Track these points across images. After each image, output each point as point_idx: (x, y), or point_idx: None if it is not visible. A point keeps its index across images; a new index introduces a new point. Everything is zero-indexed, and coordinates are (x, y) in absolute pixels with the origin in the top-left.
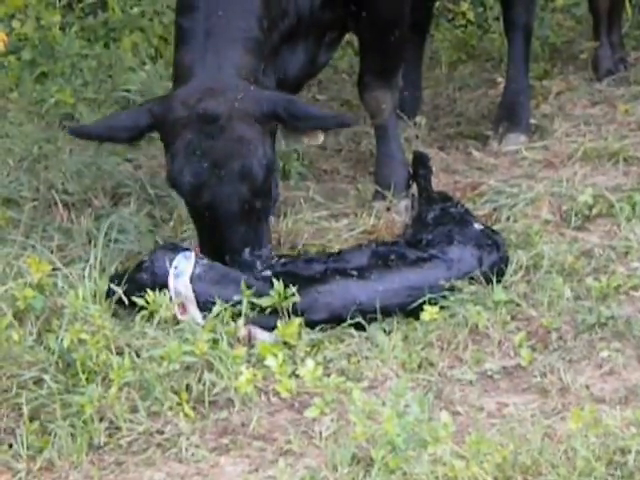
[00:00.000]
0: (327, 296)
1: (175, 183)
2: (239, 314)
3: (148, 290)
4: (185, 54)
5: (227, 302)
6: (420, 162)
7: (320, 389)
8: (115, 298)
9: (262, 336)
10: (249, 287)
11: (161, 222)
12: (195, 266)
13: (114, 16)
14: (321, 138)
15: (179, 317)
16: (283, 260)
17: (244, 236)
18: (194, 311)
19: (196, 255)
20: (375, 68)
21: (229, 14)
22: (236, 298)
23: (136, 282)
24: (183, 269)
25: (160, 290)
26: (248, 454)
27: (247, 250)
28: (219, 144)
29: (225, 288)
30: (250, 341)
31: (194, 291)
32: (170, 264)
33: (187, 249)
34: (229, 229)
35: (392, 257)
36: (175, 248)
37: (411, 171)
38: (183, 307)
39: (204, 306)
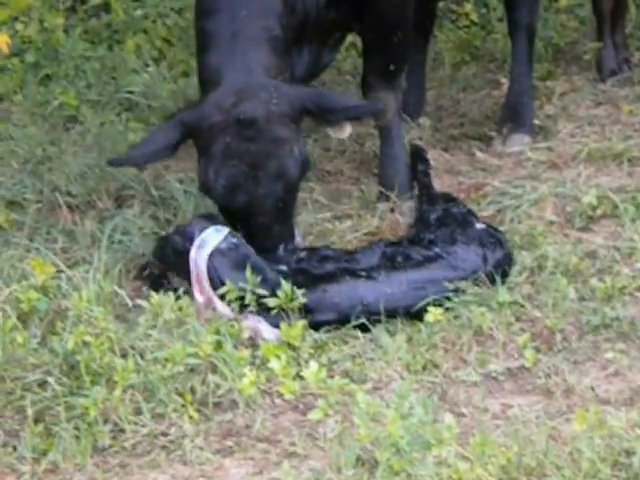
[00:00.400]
0: (335, 295)
1: (212, 188)
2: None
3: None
4: (212, 57)
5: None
6: (418, 156)
7: (324, 391)
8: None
9: (268, 334)
10: (265, 280)
11: (165, 224)
12: (223, 241)
13: (117, 18)
14: (348, 130)
15: (196, 297)
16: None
17: (279, 234)
18: (207, 288)
19: (230, 232)
20: (379, 69)
21: (252, 14)
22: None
23: (170, 244)
24: (209, 241)
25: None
26: (252, 456)
27: (281, 247)
28: (258, 147)
29: (240, 273)
30: (256, 337)
31: (209, 264)
32: (200, 233)
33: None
34: (266, 230)
35: (399, 258)
36: (213, 218)
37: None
38: (201, 286)
39: (213, 284)
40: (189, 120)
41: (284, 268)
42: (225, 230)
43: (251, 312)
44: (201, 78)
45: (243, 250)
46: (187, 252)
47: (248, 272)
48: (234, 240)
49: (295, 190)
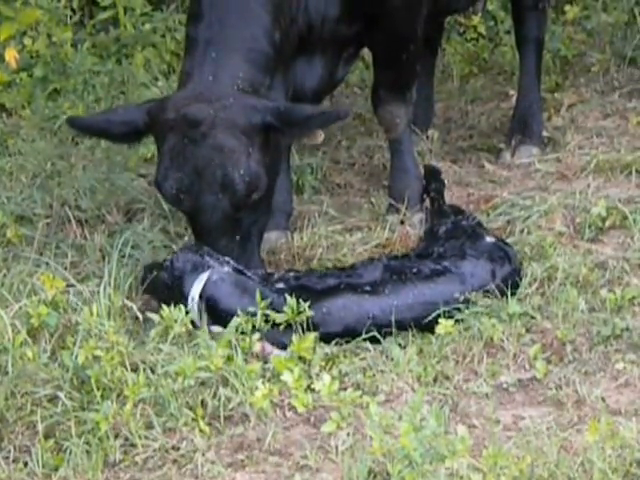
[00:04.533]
0: (341, 311)
1: (159, 186)
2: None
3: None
4: (187, 62)
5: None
6: (432, 176)
7: (336, 403)
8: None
9: (274, 352)
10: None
11: (175, 237)
12: (214, 272)
13: (126, 32)
14: (321, 137)
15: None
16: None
17: (226, 248)
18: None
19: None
20: (389, 82)
21: (235, 24)
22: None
23: (159, 281)
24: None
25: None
26: (264, 469)
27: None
28: (199, 150)
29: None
30: (264, 357)
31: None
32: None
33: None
34: (210, 237)
35: (405, 271)
36: (198, 250)
37: (424, 184)
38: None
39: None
40: (152, 112)
41: (282, 286)
42: (205, 275)
43: (263, 339)
44: (178, 81)
45: (238, 277)
46: (176, 288)
47: (256, 296)
48: (225, 269)
49: (245, 207)
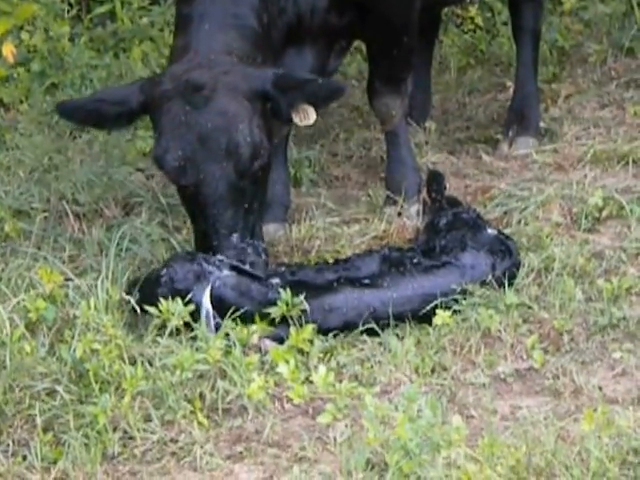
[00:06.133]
0: (340, 305)
1: (160, 161)
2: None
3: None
4: (180, 38)
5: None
6: (435, 181)
7: (333, 395)
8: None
9: (272, 346)
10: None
11: (173, 231)
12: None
13: (123, 26)
14: (313, 116)
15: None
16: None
17: (232, 219)
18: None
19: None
20: (384, 74)
21: (223, 2)
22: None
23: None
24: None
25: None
26: (262, 461)
27: (236, 235)
28: (203, 116)
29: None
30: (262, 351)
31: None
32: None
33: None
34: (215, 210)
35: (405, 263)
36: (190, 257)
37: (424, 182)
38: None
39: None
40: (145, 87)
41: (277, 280)
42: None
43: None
44: (169, 57)
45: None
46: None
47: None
48: (225, 272)
49: (249, 176)
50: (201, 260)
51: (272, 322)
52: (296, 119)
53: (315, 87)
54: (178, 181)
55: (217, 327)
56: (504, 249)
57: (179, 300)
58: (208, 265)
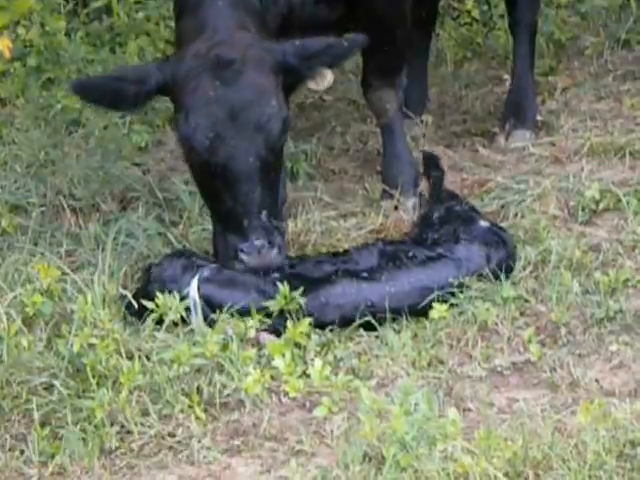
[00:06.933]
0: (337, 298)
1: (188, 140)
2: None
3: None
4: (190, 18)
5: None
6: (431, 164)
7: (328, 388)
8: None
9: (269, 339)
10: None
11: (170, 225)
12: (205, 269)
13: (119, 21)
14: (329, 78)
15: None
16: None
17: (261, 196)
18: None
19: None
20: (378, 68)
21: None
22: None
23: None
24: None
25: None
26: (260, 455)
27: (265, 213)
28: (235, 91)
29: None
30: (259, 344)
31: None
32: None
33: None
34: (244, 187)
35: (401, 256)
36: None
37: (422, 171)
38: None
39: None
40: (164, 67)
41: (277, 275)
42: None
43: (262, 330)
44: (177, 40)
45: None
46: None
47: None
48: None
49: (277, 150)
50: (189, 255)
51: (269, 315)
52: (312, 85)
53: (336, 49)
54: (209, 159)
55: (205, 318)
56: (498, 240)
57: (176, 295)
58: (197, 259)
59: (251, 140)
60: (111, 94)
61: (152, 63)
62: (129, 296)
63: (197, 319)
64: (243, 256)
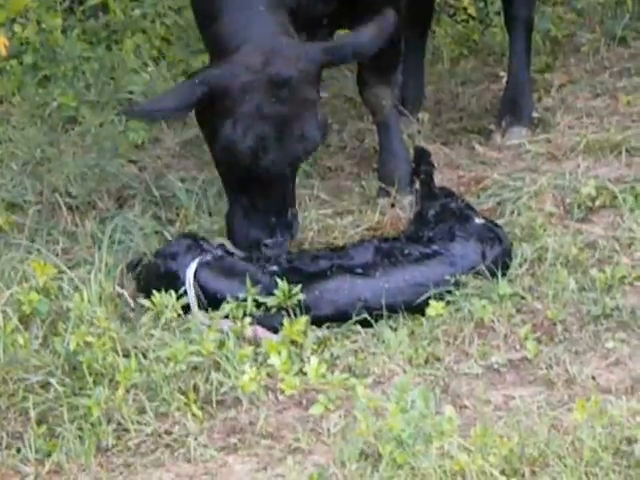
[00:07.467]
0: (332, 293)
1: (237, 149)
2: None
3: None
4: (227, 24)
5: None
6: (421, 158)
7: (325, 386)
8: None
9: (266, 336)
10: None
11: (166, 223)
12: (206, 255)
13: (115, 18)
14: None
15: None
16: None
17: (291, 196)
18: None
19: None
20: (372, 65)
21: None
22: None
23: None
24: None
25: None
26: (256, 453)
27: (290, 210)
28: (288, 108)
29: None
30: (256, 340)
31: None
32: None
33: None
34: (282, 190)
35: (396, 253)
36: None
37: (413, 166)
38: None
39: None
40: (215, 79)
41: (275, 268)
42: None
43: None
44: (214, 46)
45: (228, 259)
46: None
47: (246, 280)
48: (217, 252)
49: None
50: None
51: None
52: None
53: (374, 40)
54: (251, 164)
55: (200, 305)
56: (494, 237)
57: (172, 293)
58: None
59: (294, 150)
60: (160, 115)
61: (192, 79)
62: (126, 295)
63: (192, 304)
64: (267, 251)
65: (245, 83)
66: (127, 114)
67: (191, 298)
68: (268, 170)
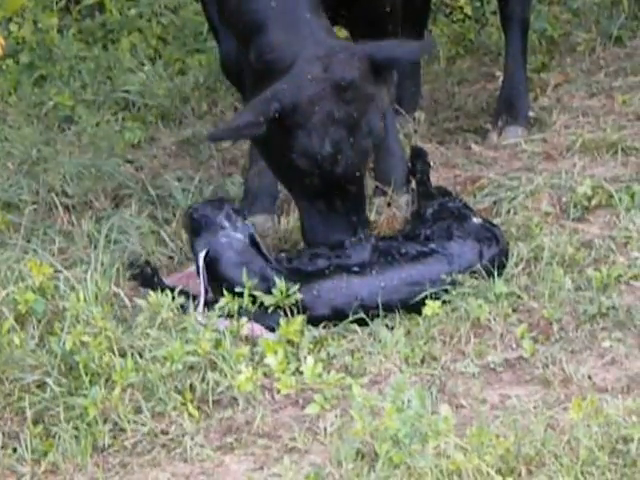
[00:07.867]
0: (330, 292)
1: (317, 158)
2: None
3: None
4: (274, 34)
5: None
6: (418, 157)
7: (321, 386)
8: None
9: (263, 334)
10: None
11: (163, 223)
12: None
13: (112, 18)
14: None
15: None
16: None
17: (364, 192)
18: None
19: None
20: None
21: None
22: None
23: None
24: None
25: None
26: (253, 452)
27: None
28: (354, 106)
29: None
30: (253, 338)
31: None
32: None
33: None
34: (359, 188)
35: (393, 252)
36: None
37: (410, 166)
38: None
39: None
40: (285, 96)
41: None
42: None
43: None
44: (263, 56)
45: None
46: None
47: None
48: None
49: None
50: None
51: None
52: None
53: (408, 52)
54: (332, 169)
55: (206, 291)
56: (490, 237)
57: (168, 292)
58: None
59: (366, 147)
60: (245, 132)
61: (269, 93)
62: (122, 294)
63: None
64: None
65: (313, 94)
66: (213, 139)
67: (201, 284)
68: (347, 171)
